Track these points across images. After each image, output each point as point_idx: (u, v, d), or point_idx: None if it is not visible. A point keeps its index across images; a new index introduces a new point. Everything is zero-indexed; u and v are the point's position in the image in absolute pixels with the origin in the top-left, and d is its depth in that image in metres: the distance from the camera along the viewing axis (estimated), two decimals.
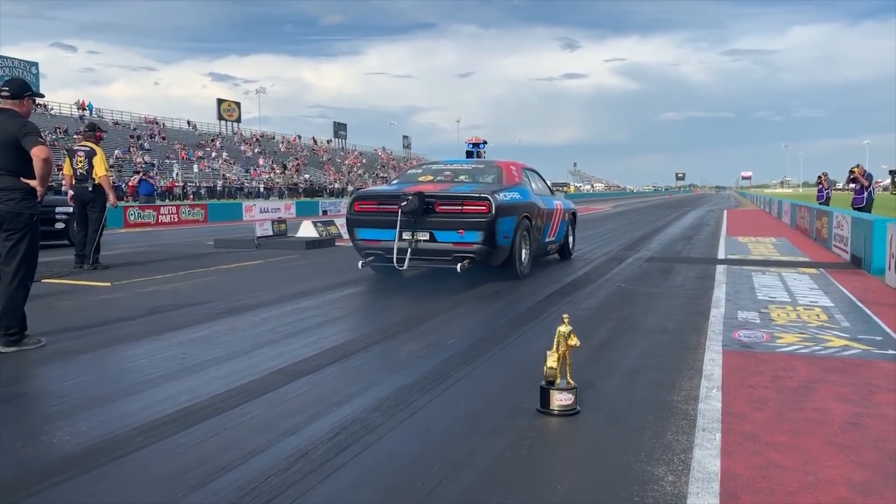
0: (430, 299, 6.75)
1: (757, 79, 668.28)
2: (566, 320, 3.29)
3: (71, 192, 9.42)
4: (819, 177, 22.86)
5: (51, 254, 10.89)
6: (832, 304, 6.27)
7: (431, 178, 8.36)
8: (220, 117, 75.00)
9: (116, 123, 60.12)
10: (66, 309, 6.35)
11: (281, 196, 56.92)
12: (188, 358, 4.38)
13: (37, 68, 53.09)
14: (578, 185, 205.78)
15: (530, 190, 8.67)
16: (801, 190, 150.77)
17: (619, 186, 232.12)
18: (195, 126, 72.43)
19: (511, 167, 8.66)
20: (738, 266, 9.35)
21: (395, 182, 8.68)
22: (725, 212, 30.36)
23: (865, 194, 15.15)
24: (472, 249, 7.15)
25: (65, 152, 10.23)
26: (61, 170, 11.99)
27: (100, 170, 9.18)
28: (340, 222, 15.07)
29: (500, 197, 7.39)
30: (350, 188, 65.29)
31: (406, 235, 7.29)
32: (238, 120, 77.23)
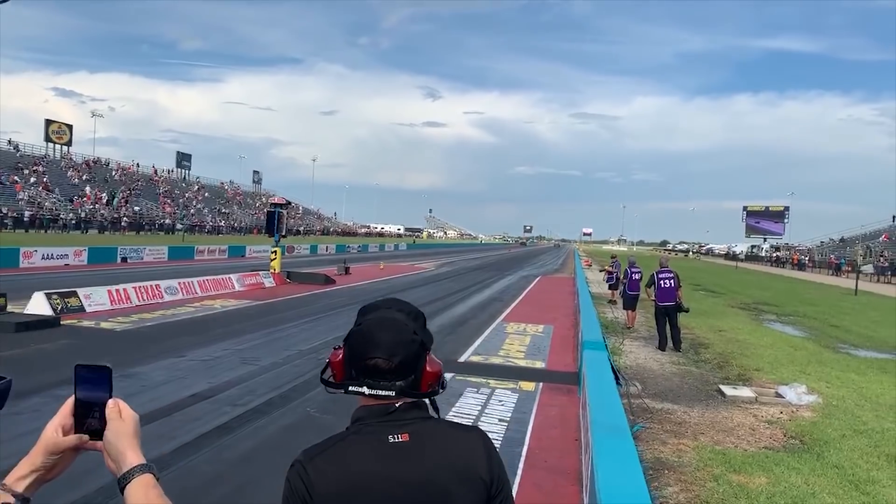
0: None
1: (602, 141, 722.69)
2: None
3: None
4: (612, 258, 23.98)
5: None
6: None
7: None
8: (48, 139, 69.26)
9: None
10: None
11: (101, 230, 53.04)
12: None
13: None
14: (433, 230, 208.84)
15: None
16: (634, 248, 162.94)
17: (470, 235, 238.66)
18: (17, 146, 66.42)
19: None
20: (464, 376, 9.21)
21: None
22: (538, 279, 31.34)
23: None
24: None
25: None
26: None
27: None
28: (86, 292, 13.29)
29: None
30: (180, 225, 61.98)
31: None
32: (69, 143, 71.59)
